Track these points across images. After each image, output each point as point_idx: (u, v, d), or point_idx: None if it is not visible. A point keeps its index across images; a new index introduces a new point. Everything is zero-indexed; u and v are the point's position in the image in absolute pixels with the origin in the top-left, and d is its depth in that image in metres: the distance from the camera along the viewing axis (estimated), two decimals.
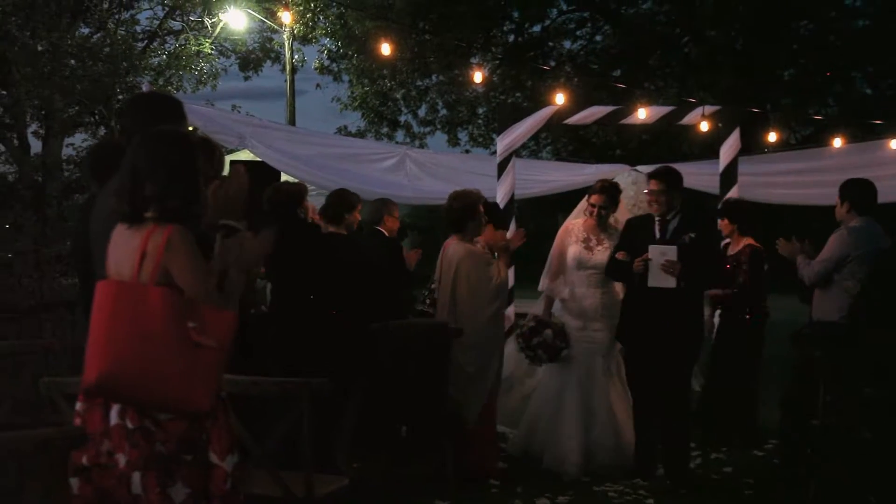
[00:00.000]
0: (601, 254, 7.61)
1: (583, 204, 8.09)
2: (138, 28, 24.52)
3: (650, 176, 7.31)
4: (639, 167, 10.73)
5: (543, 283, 8.02)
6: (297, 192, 7.18)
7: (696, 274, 6.92)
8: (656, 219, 7.14)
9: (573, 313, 7.73)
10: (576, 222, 7.96)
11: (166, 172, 3.58)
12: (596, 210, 7.71)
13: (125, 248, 3.58)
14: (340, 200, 7.65)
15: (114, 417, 3.51)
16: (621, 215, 8.05)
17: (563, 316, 7.79)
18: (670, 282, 6.85)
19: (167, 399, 3.47)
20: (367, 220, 8.00)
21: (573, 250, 7.74)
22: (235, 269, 3.67)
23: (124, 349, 3.44)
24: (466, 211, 7.29)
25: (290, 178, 9.52)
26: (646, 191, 7.36)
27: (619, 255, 7.20)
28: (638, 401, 7.36)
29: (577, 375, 7.61)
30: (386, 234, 8.01)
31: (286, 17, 18.84)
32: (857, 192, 7.11)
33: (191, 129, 5.55)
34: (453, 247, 7.31)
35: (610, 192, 7.76)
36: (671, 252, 6.87)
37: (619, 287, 7.70)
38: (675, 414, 7.13)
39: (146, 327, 3.44)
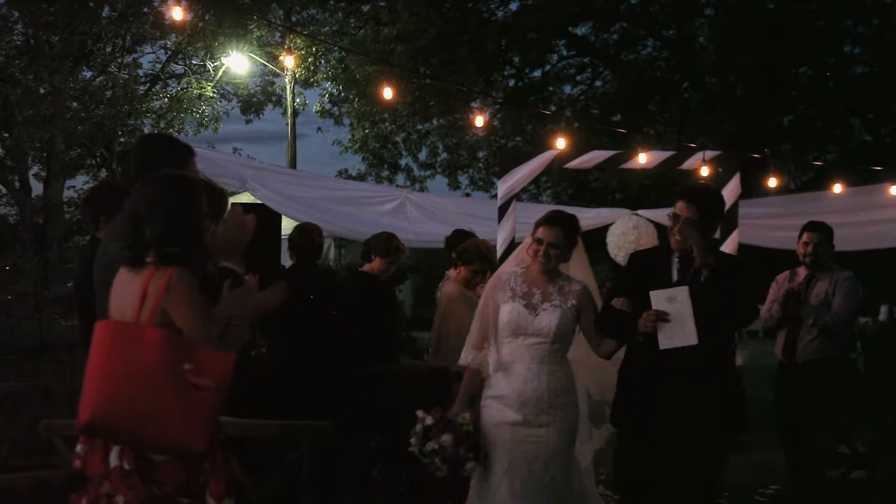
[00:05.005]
0: (549, 315, 5.14)
1: (524, 245, 5.53)
2: (140, 71, 24.72)
3: (677, 196, 5.31)
4: (639, 211, 10.75)
5: (466, 354, 5.41)
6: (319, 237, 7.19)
7: (720, 322, 5.02)
8: (675, 256, 5.19)
9: (507, 401, 5.12)
10: (512, 271, 5.41)
11: (166, 217, 3.57)
12: (543, 249, 5.20)
13: (127, 292, 3.58)
14: (370, 242, 7.54)
15: (113, 459, 3.49)
16: (580, 269, 6.13)
17: (493, 405, 5.18)
18: (688, 338, 4.85)
19: (162, 440, 3.46)
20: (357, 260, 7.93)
21: (507, 309, 5.18)
22: (241, 321, 3.66)
23: (119, 389, 3.43)
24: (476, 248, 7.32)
25: (292, 221, 9.53)
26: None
27: (617, 303, 5.15)
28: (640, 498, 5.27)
29: (508, 488, 5.05)
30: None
31: (288, 61, 18.96)
32: None
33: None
34: (447, 286, 7.35)
35: (567, 228, 5.29)
36: (681, 295, 4.89)
37: (578, 364, 5.48)
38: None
39: (142, 367, 3.43)
